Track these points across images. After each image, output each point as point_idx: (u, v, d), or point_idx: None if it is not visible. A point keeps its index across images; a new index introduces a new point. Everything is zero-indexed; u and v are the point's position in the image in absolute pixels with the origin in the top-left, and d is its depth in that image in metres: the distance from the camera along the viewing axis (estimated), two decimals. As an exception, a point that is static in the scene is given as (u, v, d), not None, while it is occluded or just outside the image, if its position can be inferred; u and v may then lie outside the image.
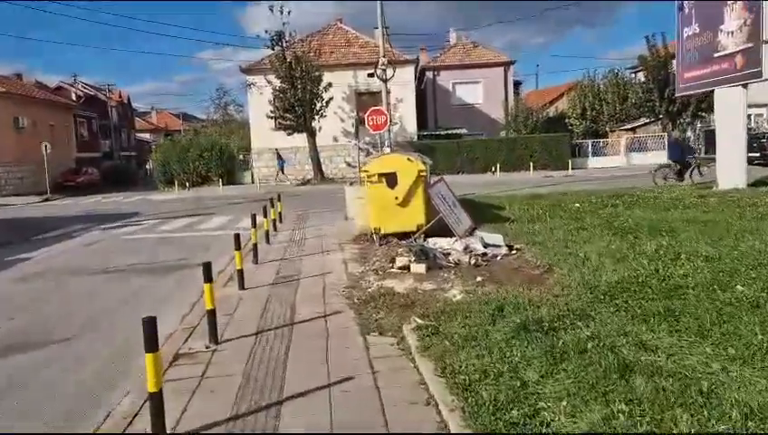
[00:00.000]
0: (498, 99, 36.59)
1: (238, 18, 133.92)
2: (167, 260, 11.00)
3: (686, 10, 17.16)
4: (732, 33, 15.10)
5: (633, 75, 37.12)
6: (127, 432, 3.96)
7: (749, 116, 36.23)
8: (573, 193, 16.44)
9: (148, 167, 55.72)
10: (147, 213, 20.81)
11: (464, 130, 33.62)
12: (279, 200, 15.50)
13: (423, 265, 7.63)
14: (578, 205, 13.41)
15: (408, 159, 10.37)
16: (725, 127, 15.83)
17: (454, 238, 8.74)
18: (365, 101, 30.80)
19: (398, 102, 30.80)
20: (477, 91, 37.01)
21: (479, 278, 7.02)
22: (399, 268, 7.82)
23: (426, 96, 37.57)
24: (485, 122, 35.83)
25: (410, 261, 7.84)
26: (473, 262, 7.85)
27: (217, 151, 32.66)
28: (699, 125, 33.85)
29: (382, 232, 10.40)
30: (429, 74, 37.65)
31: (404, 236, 10.48)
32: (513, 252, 8.51)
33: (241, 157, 35.39)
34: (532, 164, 29.03)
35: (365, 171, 10.27)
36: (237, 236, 7.74)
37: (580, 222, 10.72)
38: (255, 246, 9.74)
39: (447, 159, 29.34)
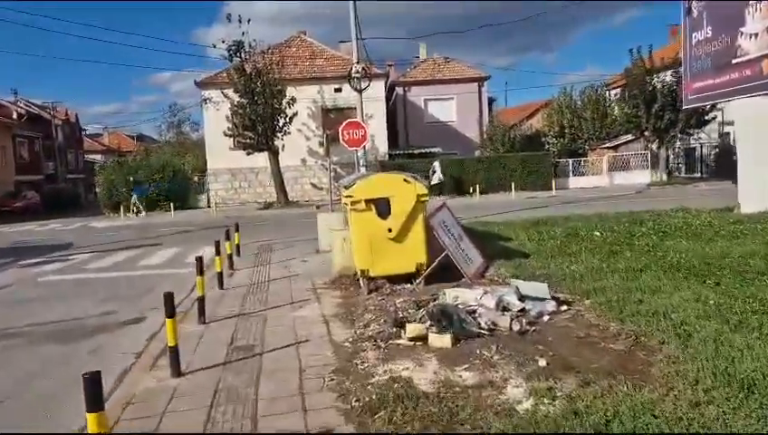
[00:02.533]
0: (472, 116, 34.73)
1: (199, 38, 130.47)
2: (86, 315, 8.27)
3: (696, 12, 15.37)
4: (755, 35, 13.27)
5: (607, 92, 35.88)
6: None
7: (727, 133, 35.42)
8: (578, 218, 14.28)
9: (97, 190, 51.88)
10: (83, 244, 17.83)
11: (438, 149, 31.53)
12: (237, 231, 12.89)
13: (448, 337, 5.18)
14: (598, 233, 11.23)
15: (405, 179, 7.98)
16: (749, 142, 13.96)
17: (479, 290, 6.30)
18: (332, 118, 28.43)
19: (368, 119, 28.50)
20: (450, 109, 35.06)
21: (542, 361, 4.60)
22: (412, 339, 5.35)
23: (396, 113, 35.45)
24: (460, 141, 33.85)
25: (427, 328, 5.39)
26: (516, 327, 5.43)
27: (169, 173, 29.64)
28: (678, 144, 32.60)
29: (371, 274, 7.96)
30: (399, 90, 35.58)
31: (399, 279, 8.08)
32: (564, 308, 6.14)
33: (196, 179, 32.43)
34: (513, 185, 27.03)
35: (349, 196, 7.82)
36: (170, 299, 5.14)
37: (622, 258, 8.48)
38: (202, 300, 7.12)
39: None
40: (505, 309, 5.96)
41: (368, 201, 7.80)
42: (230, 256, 11.20)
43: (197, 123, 46.18)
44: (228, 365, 5.42)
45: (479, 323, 5.56)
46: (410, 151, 32.08)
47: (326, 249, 11.19)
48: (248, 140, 27.12)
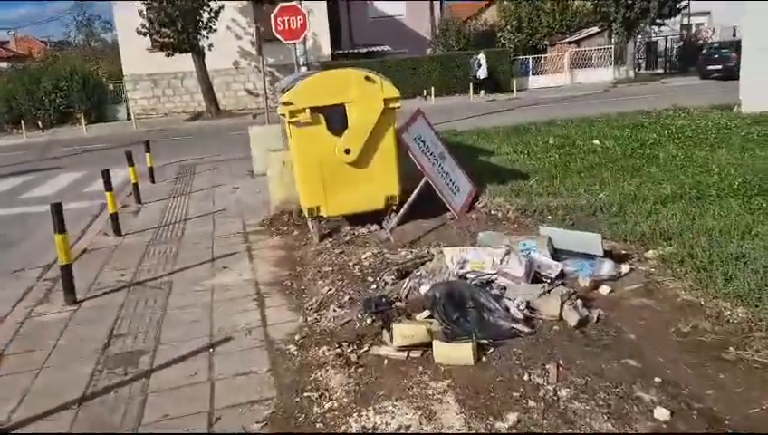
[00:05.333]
0: (423, 10, 31.34)
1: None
2: None
3: None
4: None
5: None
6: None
7: (688, 25, 33.53)
8: (562, 123, 12.15)
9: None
10: (-35, 170, 14.56)
11: (387, 48, 28.35)
12: (148, 150, 10.17)
13: (468, 347, 2.98)
14: (598, 142, 9.17)
15: (367, 77, 5.50)
16: (755, 33, 11.83)
17: (498, 248, 4.04)
18: (265, 12, 24.65)
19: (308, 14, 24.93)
20: (399, 2, 31.50)
21: (659, 410, 2.47)
22: (401, 349, 3.14)
23: (338, 9, 31.60)
24: (410, 39, 30.60)
25: (428, 328, 3.17)
26: (573, 318, 3.30)
27: (79, 80, 25.51)
28: (640, 37, 30.45)
29: (324, 213, 5.65)
30: (340, -19, 31.61)
31: (362, 219, 5.83)
32: (624, 269, 4.02)
33: (111, 87, 28.29)
34: (471, 86, 24.49)
35: (287, 103, 5.31)
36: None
37: (653, 178, 6.44)
38: (67, 270, 4.64)
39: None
40: (536, 278, 3.82)
41: (314, 110, 5.34)
42: (136, 186, 8.60)
43: (109, 22, 40.12)
44: (86, 407, 3.13)
45: (507, 310, 3.40)
46: (356, 51, 28.79)
47: (262, 172, 8.74)
48: (167, 39, 23.26)
